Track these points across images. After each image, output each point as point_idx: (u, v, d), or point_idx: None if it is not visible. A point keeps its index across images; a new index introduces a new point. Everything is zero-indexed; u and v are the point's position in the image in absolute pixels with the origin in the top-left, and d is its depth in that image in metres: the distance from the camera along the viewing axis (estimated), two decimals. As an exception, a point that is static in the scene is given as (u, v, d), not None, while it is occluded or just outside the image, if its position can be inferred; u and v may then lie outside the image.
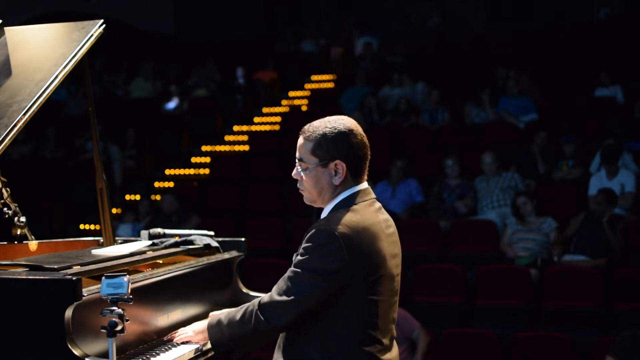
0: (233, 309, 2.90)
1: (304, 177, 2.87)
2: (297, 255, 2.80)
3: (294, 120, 12.71)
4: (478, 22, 15.09)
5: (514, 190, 8.64)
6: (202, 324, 2.99)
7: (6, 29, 3.87)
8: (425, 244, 8.51)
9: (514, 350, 6.91)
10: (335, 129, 2.85)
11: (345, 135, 2.84)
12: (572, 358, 6.71)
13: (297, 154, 2.89)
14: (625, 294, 7.29)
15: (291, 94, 13.85)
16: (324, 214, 2.88)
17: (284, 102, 13.66)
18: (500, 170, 8.95)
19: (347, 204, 2.83)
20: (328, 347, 2.75)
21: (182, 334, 3.08)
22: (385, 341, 2.84)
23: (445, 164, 9.08)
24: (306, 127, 2.90)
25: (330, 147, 2.83)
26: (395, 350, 2.93)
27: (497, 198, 8.75)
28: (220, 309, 3.63)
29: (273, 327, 2.76)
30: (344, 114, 2.96)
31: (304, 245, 2.76)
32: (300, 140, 2.89)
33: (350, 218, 2.76)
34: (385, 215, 2.93)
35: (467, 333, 7.22)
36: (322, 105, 12.88)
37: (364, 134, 2.90)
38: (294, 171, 2.91)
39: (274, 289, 2.79)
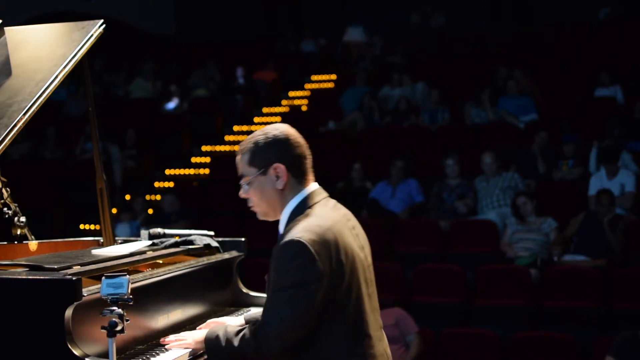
0: (231, 328, 2.82)
1: (250, 193, 2.85)
2: (269, 276, 2.74)
3: (294, 120, 12.68)
4: (478, 22, 15.10)
5: (514, 190, 8.64)
6: (201, 335, 2.91)
7: (6, 29, 3.87)
8: (425, 244, 8.52)
9: (514, 350, 6.91)
10: (266, 134, 2.82)
11: (277, 138, 2.81)
12: (572, 358, 6.71)
13: (239, 173, 2.87)
14: (625, 294, 7.29)
15: (291, 94, 13.85)
16: (281, 225, 2.84)
17: (284, 102, 13.66)
18: (500, 170, 8.95)
19: (302, 209, 2.79)
20: (319, 353, 2.73)
21: (181, 340, 3.00)
22: (374, 332, 2.82)
23: (445, 164, 9.08)
24: (240, 145, 2.89)
25: (265, 153, 2.80)
26: (385, 339, 2.92)
27: (497, 198, 8.75)
28: (220, 309, 3.63)
29: (273, 354, 2.70)
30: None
31: (274, 264, 2.71)
32: (237, 158, 2.87)
33: (310, 223, 2.72)
34: (343, 210, 2.89)
35: (467, 333, 7.22)
36: (322, 105, 12.88)
37: (299, 135, 2.86)
38: (240, 191, 2.88)
39: (262, 317, 2.72)
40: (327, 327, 2.71)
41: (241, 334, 2.76)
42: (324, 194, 2.88)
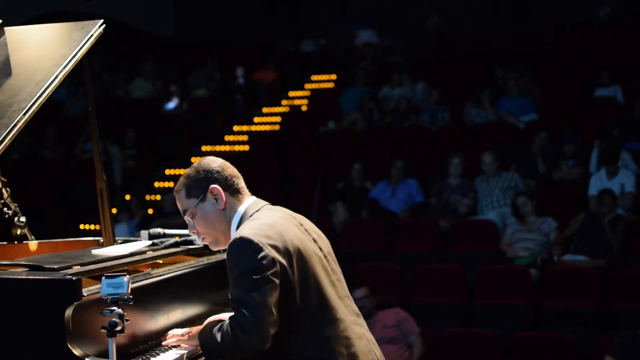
0: (219, 324, 2.84)
1: (196, 225, 2.99)
2: (229, 281, 2.80)
3: (294, 120, 12.72)
4: (478, 22, 15.09)
5: (514, 190, 8.64)
6: (197, 330, 2.96)
7: (6, 29, 3.87)
8: (425, 244, 8.51)
9: (514, 350, 6.91)
10: (195, 168, 3.01)
11: (206, 167, 2.99)
12: (572, 358, 6.71)
13: (181, 212, 3.02)
14: (625, 294, 7.29)
15: (291, 94, 13.85)
16: None
17: (284, 102, 13.66)
18: (500, 170, 8.95)
19: (243, 221, 2.93)
20: (294, 342, 2.77)
21: (177, 336, 3.04)
22: (346, 317, 2.87)
23: (451, 162, 9.06)
24: (174, 187, 3.06)
25: (199, 182, 2.96)
26: (364, 325, 2.97)
27: (497, 198, 8.75)
28: (220, 309, 3.63)
29: (253, 343, 2.71)
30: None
31: (227, 265, 2.79)
32: (176, 200, 3.04)
33: (252, 224, 2.85)
34: (286, 211, 3.02)
35: (467, 333, 7.22)
36: (322, 105, 12.88)
37: (224, 160, 3.04)
38: (188, 229, 3.04)
39: (234, 312, 2.76)
40: (293, 318, 2.77)
41: (222, 329, 2.79)
42: (263, 202, 3.02)
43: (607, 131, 9.59)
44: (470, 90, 11.31)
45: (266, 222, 2.84)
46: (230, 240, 2.80)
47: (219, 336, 2.77)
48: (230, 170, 3.01)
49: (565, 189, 9.04)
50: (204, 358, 2.97)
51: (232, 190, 2.97)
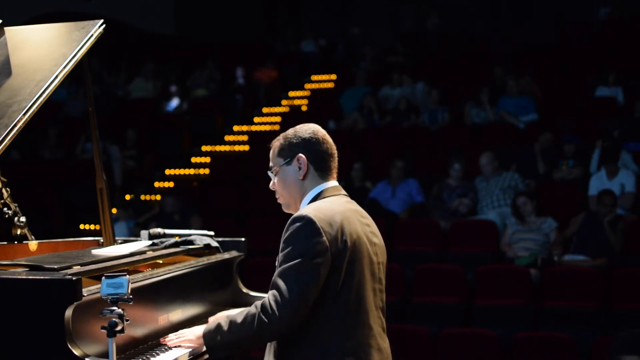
0: (234, 314, 2.86)
1: (275, 182, 3.01)
2: (280, 252, 2.83)
3: (294, 120, 12.65)
4: (478, 22, 15.09)
5: (514, 190, 8.64)
6: (201, 329, 2.93)
7: (6, 29, 3.87)
8: (425, 244, 8.51)
9: (514, 350, 6.91)
10: (296, 131, 3.03)
11: (304, 133, 3.00)
12: (572, 358, 6.70)
13: (269, 166, 3.04)
14: (625, 294, 7.29)
15: (291, 94, 13.85)
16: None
17: (284, 102, 13.66)
18: (501, 170, 8.95)
19: (317, 199, 2.94)
20: (318, 332, 2.77)
21: (182, 336, 3.01)
22: (376, 327, 2.86)
23: (452, 167, 9.06)
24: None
25: (292, 145, 2.98)
26: (387, 342, 2.94)
27: (497, 198, 8.75)
28: (220, 309, 3.64)
29: (280, 326, 2.72)
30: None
31: (283, 237, 2.82)
32: (270, 151, 3.05)
33: (320, 205, 2.87)
34: (357, 207, 3.02)
35: (467, 333, 7.22)
36: (322, 105, 12.88)
37: (327, 135, 3.05)
38: (270, 183, 3.06)
39: (272, 290, 2.77)
40: (326, 307, 2.77)
41: (245, 310, 2.80)
42: (342, 191, 3.03)
43: (607, 131, 9.60)
44: (470, 90, 11.31)
45: (334, 209, 2.85)
46: (294, 215, 2.83)
47: (239, 318, 2.77)
48: (327, 146, 3.01)
49: (565, 189, 9.04)
50: (206, 357, 2.96)
51: (319, 166, 2.98)
